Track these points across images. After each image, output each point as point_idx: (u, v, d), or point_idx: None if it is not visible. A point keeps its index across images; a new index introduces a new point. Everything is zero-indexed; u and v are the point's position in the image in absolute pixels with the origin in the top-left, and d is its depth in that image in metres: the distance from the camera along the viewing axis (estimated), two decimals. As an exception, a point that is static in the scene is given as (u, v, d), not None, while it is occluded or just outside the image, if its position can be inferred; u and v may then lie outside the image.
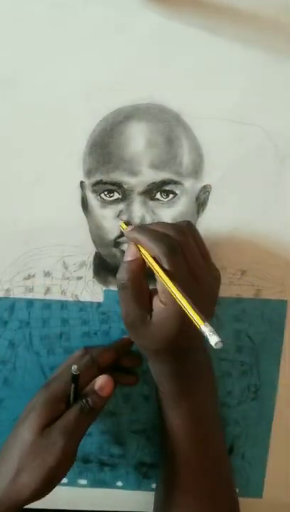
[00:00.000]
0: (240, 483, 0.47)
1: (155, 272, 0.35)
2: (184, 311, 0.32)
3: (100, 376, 0.40)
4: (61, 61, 0.39)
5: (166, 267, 0.34)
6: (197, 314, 0.31)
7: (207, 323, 0.30)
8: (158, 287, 0.36)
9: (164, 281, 0.34)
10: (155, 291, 0.37)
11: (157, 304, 0.36)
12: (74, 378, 0.38)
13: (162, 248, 0.35)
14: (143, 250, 0.37)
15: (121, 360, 0.44)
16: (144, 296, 0.37)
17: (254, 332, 0.45)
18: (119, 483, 0.48)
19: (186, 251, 0.36)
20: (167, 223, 0.39)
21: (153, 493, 0.46)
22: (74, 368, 0.38)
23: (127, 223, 0.41)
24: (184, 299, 0.33)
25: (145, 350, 0.39)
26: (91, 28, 0.38)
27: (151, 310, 0.36)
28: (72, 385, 0.38)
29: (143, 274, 0.37)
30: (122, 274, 0.37)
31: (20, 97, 0.40)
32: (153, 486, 0.48)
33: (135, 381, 0.45)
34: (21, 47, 0.39)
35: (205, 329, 0.30)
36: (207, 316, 0.31)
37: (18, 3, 0.38)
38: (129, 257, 0.37)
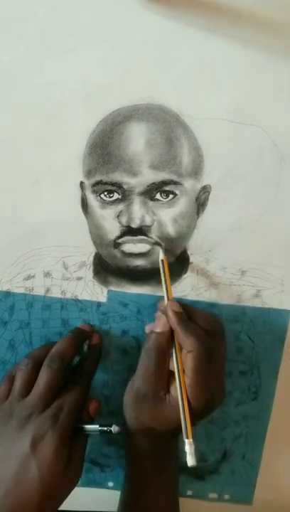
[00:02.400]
0: (240, 484, 0.47)
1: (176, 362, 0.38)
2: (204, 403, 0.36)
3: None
4: (61, 61, 0.39)
5: (195, 367, 0.36)
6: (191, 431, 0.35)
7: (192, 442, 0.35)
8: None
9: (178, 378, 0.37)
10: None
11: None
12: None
13: (199, 351, 0.36)
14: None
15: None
16: (164, 372, 0.38)
17: (254, 332, 0.45)
18: (110, 484, 0.48)
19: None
20: (211, 319, 0.40)
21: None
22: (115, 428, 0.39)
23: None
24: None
25: (137, 425, 0.39)
26: (91, 28, 0.38)
27: (166, 390, 0.38)
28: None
29: (168, 349, 0.38)
30: (149, 344, 0.39)
31: (20, 97, 0.40)
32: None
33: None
34: (21, 47, 0.39)
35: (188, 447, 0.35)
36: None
37: (18, 3, 0.38)
38: (158, 328, 0.39)
